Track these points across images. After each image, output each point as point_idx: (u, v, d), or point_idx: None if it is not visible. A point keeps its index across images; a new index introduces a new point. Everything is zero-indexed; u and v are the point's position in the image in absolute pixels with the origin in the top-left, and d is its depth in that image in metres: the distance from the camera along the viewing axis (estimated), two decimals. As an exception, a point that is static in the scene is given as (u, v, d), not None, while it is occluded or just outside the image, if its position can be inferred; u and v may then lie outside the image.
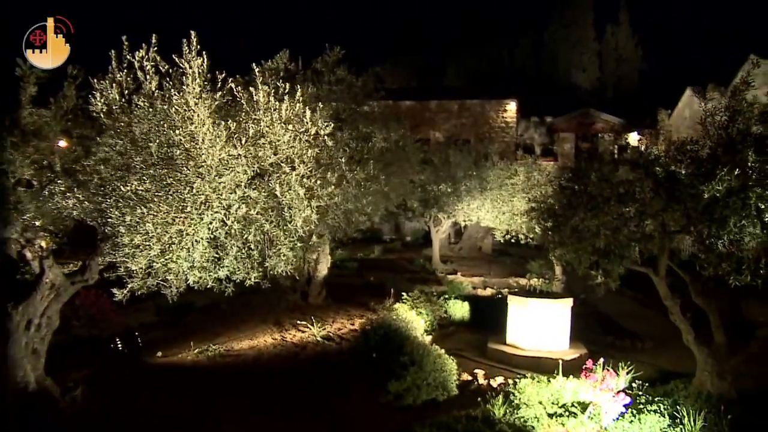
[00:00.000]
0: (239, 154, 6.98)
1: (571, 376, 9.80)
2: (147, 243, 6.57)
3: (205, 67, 6.85)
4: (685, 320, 9.64)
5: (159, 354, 11.54)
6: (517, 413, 8.76)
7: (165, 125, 6.79)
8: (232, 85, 7.25)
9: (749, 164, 7.82)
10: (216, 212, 6.82)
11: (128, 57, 6.92)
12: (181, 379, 10.36)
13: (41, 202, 7.63)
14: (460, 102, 35.81)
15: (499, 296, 16.84)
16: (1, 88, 7.90)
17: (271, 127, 7.18)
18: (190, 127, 6.70)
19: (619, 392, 8.86)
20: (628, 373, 10.08)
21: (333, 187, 7.80)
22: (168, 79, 6.97)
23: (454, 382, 10.13)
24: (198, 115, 6.68)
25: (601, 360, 9.86)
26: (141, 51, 6.86)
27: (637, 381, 9.90)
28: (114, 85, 6.94)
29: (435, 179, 22.03)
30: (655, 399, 9.09)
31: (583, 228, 9.04)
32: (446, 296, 16.10)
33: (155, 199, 6.62)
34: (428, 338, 12.79)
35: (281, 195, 7.15)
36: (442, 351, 10.91)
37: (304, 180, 7.30)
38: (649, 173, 8.81)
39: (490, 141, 31.50)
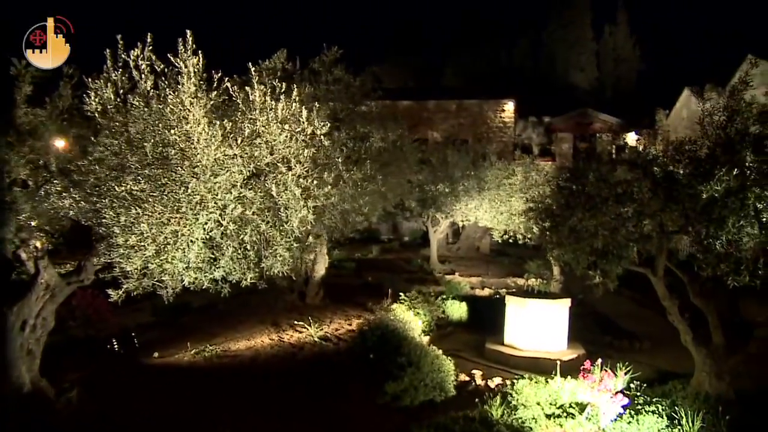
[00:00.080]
0: (235, 154, 6.94)
1: (569, 377, 9.79)
2: (142, 243, 6.53)
3: (200, 66, 6.81)
4: (683, 320, 9.63)
5: (156, 355, 11.49)
6: (514, 414, 8.74)
7: (160, 125, 6.74)
8: (228, 85, 7.21)
9: (747, 164, 7.80)
10: (211, 212, 6.77)
11: (123, 56, 6.88)
12: (178, 380, 10.32)
13: (37, 202, 7.60)
14: (458, 102, 35.82)
15: (497, 296, 16.85)
16: (-2, 87, 7.87)
17: (267, 126, 7.15)
18: (186, 126, 6.65)
19: (617, 393, 8.83)
20: (626, 374, 10.07)
21: (330, 187, 7.78)
22: (163, 78, 6.93)
23: (451, 382, 10.11)
24: (193, 115, 6.64)
25: (599, 360, 9.84)
26: (136, 50, 6.82)
27: (635, 381, 9.89)
28: (109, 84, 6.90)
29: (433, 179, 22.02)
30: (653, 400, 9.08)
31: (581, 228, 9.02)
32: (444, 296, 16.10)
33: (150, 200, 6.58)
34: (426, 339, 12.76)
35: (277, 195, 7.11)
36: (440, 352, 10.90)
37: (301, 180, 7.26)
38: (647, 173, 8.80)
39: (488, 141, 31.55)
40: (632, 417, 8.49)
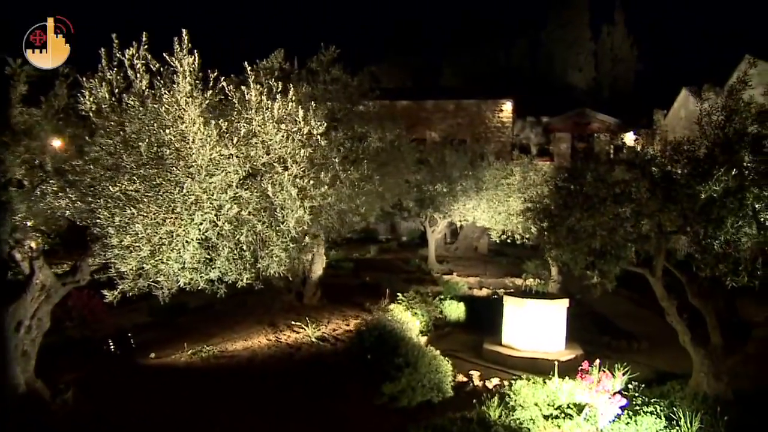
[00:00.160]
0: (231, 154, 6.90)
1: (567, 377, 9.77)
2: (137, 244, 6.49)
3: (196, 65, 6.77)
4: (681, 321, 9.61)
5: (152, 355, 11.45)
6: (512, 415, 8.71)
7: (155, 124, 6.70)
8: (225, 84, 7.17)
9: (746, 164, 7.78)
10: (207, 213, 6.73)
11: (119, 55, 6.84)
12: (175, 381, 10.28)
13: (33, 202, 7.54)
14: (457, 102, 35.77)
15: (495, 296, 16.84)
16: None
17: (263, 126, 7.11)
18: (181, 126, 6.61)
19: (615, 394, 8.80)
20: (624, 374, 10.05)
21: (326, 187, 7.74)
22: (159, 77, 6.88)
23: (449, 383, 10.08)
24: (188, 114, 6.60)
25: (597, 361, 9.81)
26: (131, 49, 6.78)
27: (633, 382, 9.87)
28: (104, 83, 6.85)
29: (431, 179, 22.00)
30: (652, 400, 9.06)
31: (579, 228, 9.00)
32: (442, 297, 16.08)
33: (145, 200, 6.54)
34: (423, 339, 12.73)
35: (273, 195, 7.08)
36: (438, 352, 10.87)
37: (297, 180, 7.22)
38: (645, 173, 8.78)
39: (486, 141, 31.51)
40: (630, 418, 8.47)
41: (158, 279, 6.81)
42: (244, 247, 7.08)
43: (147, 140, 6.65)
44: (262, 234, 7.18)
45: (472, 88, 39.86)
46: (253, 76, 7.23)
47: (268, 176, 7.20)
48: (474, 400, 9.24)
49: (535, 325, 12.21)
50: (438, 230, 24.61)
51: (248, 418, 8.82)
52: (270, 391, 9.96)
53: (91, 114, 6.87)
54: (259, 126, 7.11)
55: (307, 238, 7.83)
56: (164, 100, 6.66)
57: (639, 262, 9.46)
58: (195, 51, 6.78)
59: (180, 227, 6.66)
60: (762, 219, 7.69)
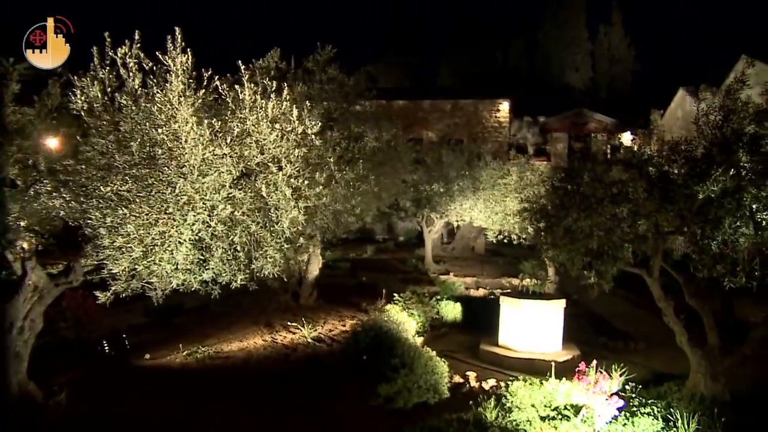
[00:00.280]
0: (224, 154, 6.84)
1: (563, 378, 9.73)
2: (129, 245, 6.44)
3: (189, 64, 6.71)
4: (678, 321, 9.58)
5: (147, 356, 11.39)
6: (509, 416, 8.67)
7: (147, 124, 6.64)
8: (218, 83, 7.11)
9: (743, 164, 7.74)
10: (200, 213, 6.67)
11: (111, 54, 6.77)
12: (170, 382, 10.22)
13: (26, 202, 7.48)
14: (453, 102, 35.75)
15: (492, 297, 16.79)
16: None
17: (257, 126, 7.05)
18: (174, 125, 6.55)
19: (612, 395, 8.77)
20: (621, 375, 10.02)
21: (321, 187, 7.68)
22: (152, 76, 6.83)
23: (445, 384, 10.03)
24: (181, 114, 6.54)
25: (594, 362, 9.77)
26: (124, 48, 6.72)
27: (630, 383, 9.84)
28: (96, 82, 6.79)
29: (427, 179, 21.97)
30: (649, 401, 9.03)
31: (576, 228, 8.96)
32: (438, 297, 16.03)
33: (137, 200, 6.48)
34: (420, 340, 12.69)
35: (267, 195, 7.02)
36: (434, 353, 10.82)
37: (291, 180, 7.17)
38: (642, 173, 8.74)
39: (483, 141, 31.56)
40: (627, 419, 8.43)
41: (151, 280, 6.76)
42: (238, 248, 7.03)
43: (139, 140, 6.60)
44: (256, 234, 7.13)
45: (470, 88, 39.88)
46: (247, 75, 7.18)
47: (262, 176, 7.15)
48: (470, 402, 9.20)
49: (531, 325, 12.17)
50: (435, 230, 24.60)
51: (244, 419, 8.77)
52: (265, 391, 9.91)
53: (82, 113, 6.82)
54: (253, 125, 7.05)
55: (302, 238, 7.76)
56: (157, 99, 6.60)
57: (636, 263, 9.43)
58: (189, 50, 6.72)
59: (172, 228, 6.60)
60: (759, 219, 7.65)
